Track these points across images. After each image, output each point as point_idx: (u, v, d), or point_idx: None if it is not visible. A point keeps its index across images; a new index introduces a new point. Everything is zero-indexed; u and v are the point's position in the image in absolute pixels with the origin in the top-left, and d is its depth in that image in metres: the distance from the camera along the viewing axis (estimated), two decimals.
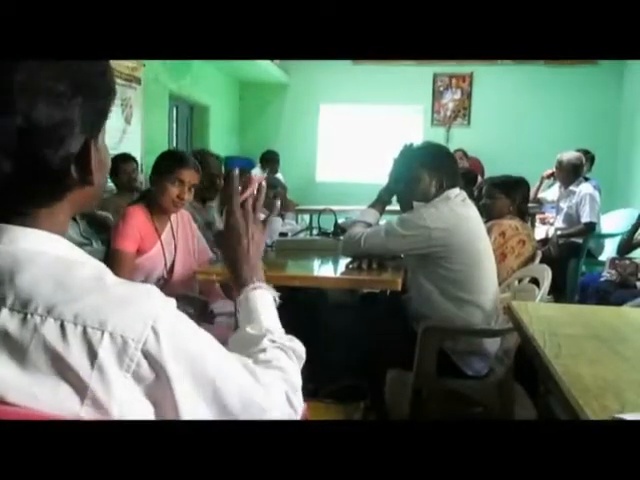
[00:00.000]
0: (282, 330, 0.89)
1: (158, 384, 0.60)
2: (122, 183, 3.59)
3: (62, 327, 0.56)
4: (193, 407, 0.62)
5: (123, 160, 3.69)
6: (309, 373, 2.67)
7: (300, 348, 0.86)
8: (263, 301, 0.92)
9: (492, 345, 1.98)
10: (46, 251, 0.62)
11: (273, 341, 0.83)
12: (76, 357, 0.56)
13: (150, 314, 0.59)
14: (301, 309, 2.65)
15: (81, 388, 0.57)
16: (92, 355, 0.56)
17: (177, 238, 2.27)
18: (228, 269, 0.97)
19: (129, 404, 0.59)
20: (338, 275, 2.10)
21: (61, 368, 0.56)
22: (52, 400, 0.56)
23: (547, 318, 1.23)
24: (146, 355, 0.58)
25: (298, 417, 0.76)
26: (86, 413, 0.57)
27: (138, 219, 2.13)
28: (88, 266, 0.63)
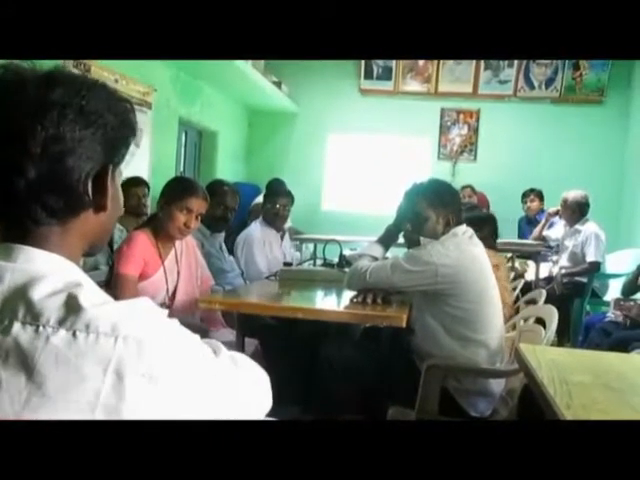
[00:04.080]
0: None
1: (171, 382, 0.62)
2: (130, 206, 3.54)
3: (74, 336, 0.58)
4: (202, 398, 0.66)
5: (136, 183, 3.65)
6: (307, 405, 2.61)
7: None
8: None
9: (497, 386, 1.94)
10: (58, 272, 0.64)
11: None
12: (89, 366, 0.57)
13: (156, 316, 0.63)
14: (301, 340, 2.62)
15: (93, 397, 0.57)
16: (106, 362, 0.58)
17: (180, 264, 2.26)
18: None
19: (143, 407, 0.60)
20: (342, 309, 2.07)
21: (73, 378, 0.57)
22: (64, 415, 0.57)
23: (556, 363, 1.20)
24: (160, 354, 0.61)
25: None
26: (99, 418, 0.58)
27: (142, 244, 2.12)
28: (95, 289, 0.65)
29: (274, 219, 3.26)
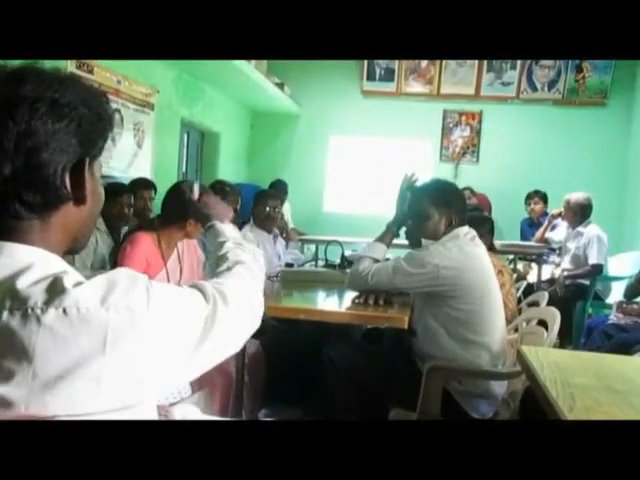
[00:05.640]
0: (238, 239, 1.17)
1: (167, 340, 0.64)
2: (135, 207, 3.51)
3: (65, 313, 0.58)
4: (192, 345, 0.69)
5: (144, 186, 3.60)
6: (309, 406, 2.59)
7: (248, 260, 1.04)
8: (226, 227, 1.26)
9: (499, 388, 1.93)
10: (42, 263, 0.64)
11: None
12: (87, 339, 0.58)
13: (141, 282, 0.64)
14: (303, 341, 2.61)
15: (97, 370, 0.58)
16: (103, 333, 0.58)
17: (183, 264, 2.27)
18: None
19: (147, 368, 0.62)
20: (343, 309, 2.07)
21: (75, 354, 0.57)
22: (68, 399, 0.57)
23: (558, 365, 1.20)
24: (152, 316, 0.62)
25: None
26: (105, 395, 0.59)
27: (146, 245, 2.13)
28: (79, 276, 0.65)
29: (264, 221, 3.26)
